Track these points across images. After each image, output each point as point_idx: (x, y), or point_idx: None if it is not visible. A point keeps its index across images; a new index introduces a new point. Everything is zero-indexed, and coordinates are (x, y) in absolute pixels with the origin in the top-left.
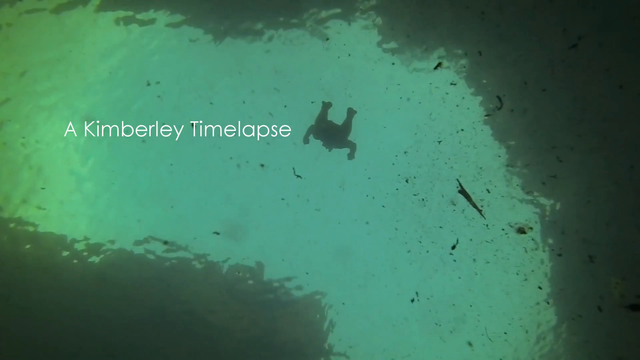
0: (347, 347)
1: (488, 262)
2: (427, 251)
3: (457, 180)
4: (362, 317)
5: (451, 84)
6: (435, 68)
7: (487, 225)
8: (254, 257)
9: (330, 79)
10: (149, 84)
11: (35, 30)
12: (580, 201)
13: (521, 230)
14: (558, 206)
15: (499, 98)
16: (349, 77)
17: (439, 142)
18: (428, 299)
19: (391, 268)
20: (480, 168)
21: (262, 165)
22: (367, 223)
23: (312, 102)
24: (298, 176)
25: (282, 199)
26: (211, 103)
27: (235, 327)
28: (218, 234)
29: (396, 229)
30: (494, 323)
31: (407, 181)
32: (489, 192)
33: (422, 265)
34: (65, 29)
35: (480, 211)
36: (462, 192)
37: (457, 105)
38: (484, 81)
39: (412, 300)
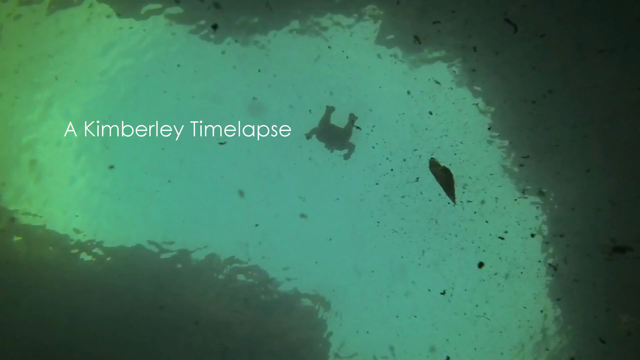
0: (350, 350)
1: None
2: (429, 264)
3: (432, 158)
4: (365, 319)
5: (450, 88)
6: (415, 42)
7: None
8: (255, 258)
9: (331, 80)
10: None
11: (31, 29)
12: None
13: (620, 250)
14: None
15: (508, 21)
16: (349, 78)
17: (439, 147)
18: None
19: (394, 273)
20: (481, 171)
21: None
22: (375, 224)
23: (309, 111)
24: (357, 127)
25: (285, 201)
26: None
27: (236, 328)
28: (224, 143)
29: (393, 232)
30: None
31: (417, 179)
32: (489, 197)
33: (424, 272)
34: (61, 27)
35: (451, 197)
36: (434, 169)
37: (459, 107)
38: (486, 81)
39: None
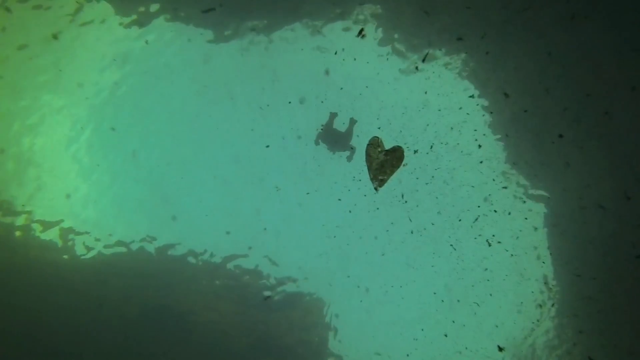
0: (347, 350)
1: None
2: (432, 266)
3: (375, 137)
4: (363, 320)
5: (450, 84)
6: (359, 35)
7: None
8: (255, 259)
9: (332, 82)
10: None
11: (31, 30)
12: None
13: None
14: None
15: None
16: (350, 80)
17: (442, 143)
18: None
19: (393, 275)
20: (481, 172)
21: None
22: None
23: (289, 102)
24: (417, 68)
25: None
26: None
27: (236, 329)
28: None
29: (388, 234)
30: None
31: (402, 196)
32: (491, 204)
33: (424, 275)
34: (59, 26)
35: (376, 185)
36: (371, 149)
37: (460, 108)
38: (488, 82)
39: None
